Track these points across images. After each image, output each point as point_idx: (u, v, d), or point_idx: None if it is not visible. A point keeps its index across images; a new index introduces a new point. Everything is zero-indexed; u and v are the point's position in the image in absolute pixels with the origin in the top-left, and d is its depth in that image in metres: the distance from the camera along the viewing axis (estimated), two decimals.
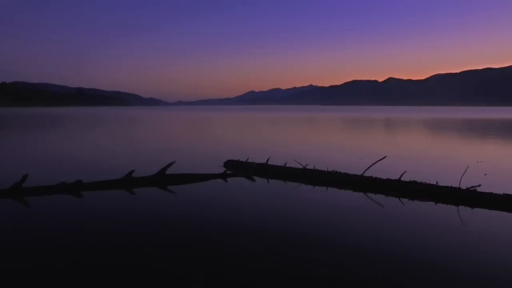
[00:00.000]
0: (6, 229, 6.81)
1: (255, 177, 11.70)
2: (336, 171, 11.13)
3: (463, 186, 9.02)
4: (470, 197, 8.68)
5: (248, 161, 12.98)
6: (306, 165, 11.92)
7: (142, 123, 48.54)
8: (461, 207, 8.28)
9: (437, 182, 9.47)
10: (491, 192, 8.58)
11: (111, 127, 40.22)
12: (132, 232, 6.59)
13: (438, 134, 30.66)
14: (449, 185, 9.21)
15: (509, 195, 8.30)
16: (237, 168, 12.79)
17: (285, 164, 12.38)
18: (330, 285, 4.68)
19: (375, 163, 10.96)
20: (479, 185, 8.94)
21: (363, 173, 10.67)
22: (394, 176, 10.19)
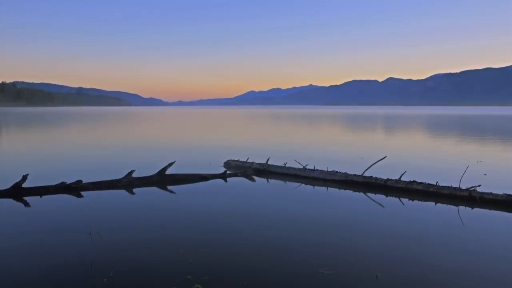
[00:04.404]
0: (6, 229, 6.82)
1: (255, 177, 11.70)
2: (336, 171, 11.13)
3: (463, 186, 9.01)
4: (470, 197, 8.68)
5: (248, 161, 12.99)
6: (306, 165, 11.92)
7: (142, 123, 48.53)
8: (461, 207, 8.28)
9: (437, 182, 9.46)
10: (491, 192, 8.57)
11: (111, 127, 40.22)
12: (132, 232, 6.59)
13: (438, 134, 30.66)
14: (449, 185, 9.20)
15: (509, 195, 8.30)
16: (237, 168, 12.80)
17: (285, 164, 12.38)
18: (330, 284, 4.68)
19: (375, 163, 10.96)
20: (479, 185, 8.93)
21: (363, 173, 10.67)
22: (394, 176, 10.19)
